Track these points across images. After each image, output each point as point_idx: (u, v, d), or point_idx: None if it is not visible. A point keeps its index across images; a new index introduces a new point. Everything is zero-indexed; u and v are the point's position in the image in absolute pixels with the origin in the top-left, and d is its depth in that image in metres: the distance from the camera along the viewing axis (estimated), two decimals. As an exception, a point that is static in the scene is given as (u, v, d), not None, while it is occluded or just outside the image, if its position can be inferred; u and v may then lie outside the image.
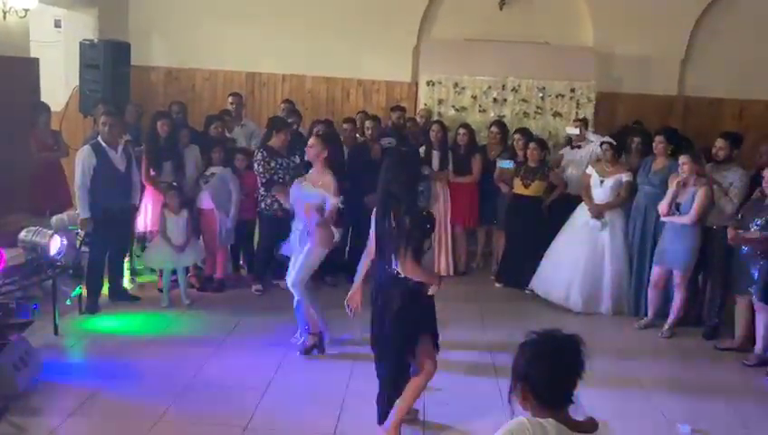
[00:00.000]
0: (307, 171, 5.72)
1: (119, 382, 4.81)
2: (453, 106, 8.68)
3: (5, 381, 4.35)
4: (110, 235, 6.23)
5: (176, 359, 5.26)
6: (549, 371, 2.13)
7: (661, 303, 6.47)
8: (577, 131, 7.66)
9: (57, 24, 9.03)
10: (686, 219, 6.04)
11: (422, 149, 7.71)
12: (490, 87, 8.62)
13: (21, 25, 7.29)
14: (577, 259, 6.77)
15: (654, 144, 6.66)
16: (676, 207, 6.11)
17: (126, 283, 6.77)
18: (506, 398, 2.23)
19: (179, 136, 7.05)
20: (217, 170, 6.86)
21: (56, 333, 5.57)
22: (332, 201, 5.25)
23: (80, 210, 6.08)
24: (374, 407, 4.29)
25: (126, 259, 6.83)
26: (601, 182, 6.80)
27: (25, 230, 5.51)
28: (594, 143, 7.32)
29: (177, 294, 6.54)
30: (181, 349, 5.46)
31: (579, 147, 7.63)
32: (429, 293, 4.04)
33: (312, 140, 5.54)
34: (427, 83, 8.71)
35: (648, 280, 6.50)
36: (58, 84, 8.52)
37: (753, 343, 5.73)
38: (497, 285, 7.57)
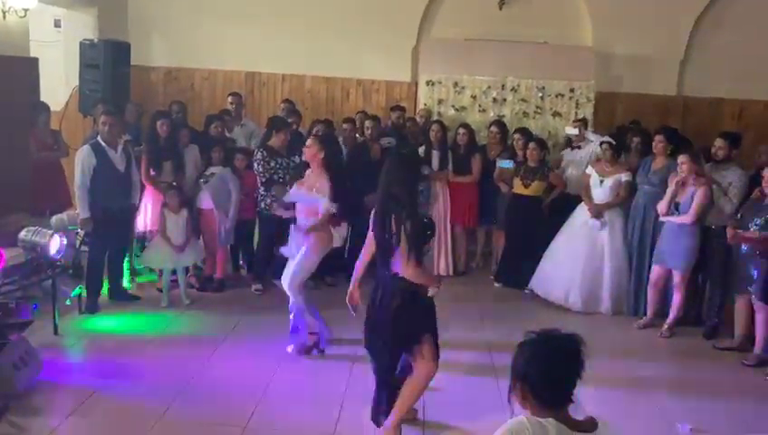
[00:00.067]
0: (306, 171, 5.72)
1: (118, 382, 4.81)
2: (452, 106, 8.68)
3: (5, 381, 4.35)
4: (110, 235, 6.23)
5: (175, 359, 5.26)
6: (548, 370, 2.13)
7: (660, 302, 6.48)
8: (576, 132, 7.66)
9: (57, 24, 9.03)
10: (685, 219, 6.04)
11: (422, 149, 7.71)
12: (489, 87, 8.62)
13: (20, 25, 7.29)
14: (576, 259, 6.77)
15: (653, 144, 6.66)
16: (675, 207, 6.11)
17: (126, 283, 6.76)
18: (506, 397, 2.23)
19: (179, 136, 7.05)
20: (217, 170, 6.86)
21: (56, 332, 5.57)
22: (325, 205, 5.24)
23: (79, 210, 6.08)
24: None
25: (126, 259, 6.83)
26: (601, 182, 6.80)
27: (25, 230, 5.51)
28: (594, 143, 7.32)
29: (177, 294, 6.54)
30: (181, 349, 5.46)
31: (579, 147, 7.64)
32: (429, 294, 4.04)
33: (309, 141, 5.54)
34: (427, 83, 8.71)
35: (648, 280, 6.51)
36: (58, 84, 8.52)
37: (753, 342, 5.73)
38: (497, 284, 7.58)
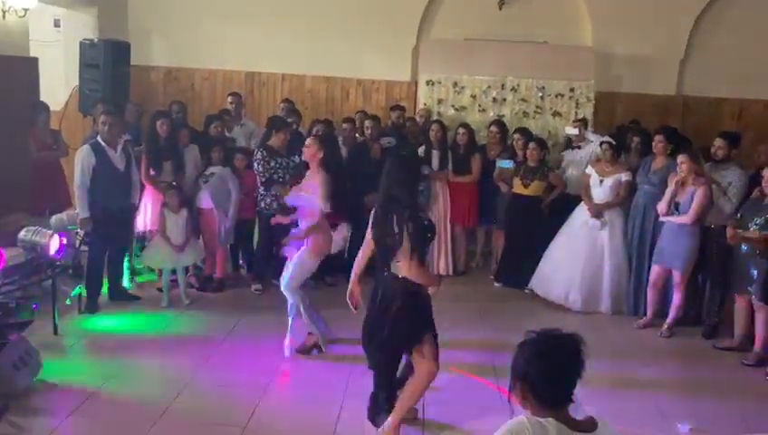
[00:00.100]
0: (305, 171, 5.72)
1: (118, 382, 4.82)
2: (452, 106, 8.67)
3: (5, 381, 4.35)
4: (110, 234, 6.23)
5: (175, 358, 5.26)
6: (548, 370, 2.13)
7: (660, 302, 6.48)
8: (576, 132, 7.66)
9: (57, 24, 9.03)
10: (684, 219, 6.04)
11: (421, 149, 7.71)
12: (489, 87, 8.62)
13: (20, 25, 7.29)
14: (576, 259, 6.77)
15: (653, 143, 6.66)
16: (675, 207, 6.12)
17: (125, 282, 6.77)
18: (506, 397, 2.23)
19: (179, 136, 7.05)
20: (217, 170, 6.86)
21: (56, 332, 5.57)
22: (317, 203, 5.23)
23: (79, 210, 6.08)
24: (374, 406, 4.29)
25: (125, 259, 6.82)
26: (601, 182, 6.80)
27: (25, 230, 5.52)
28: (594, 143, 7.32)
29: (177, 294, 6.54)
30: (181, 349, 5.46)
31: (579, 147, 7.64)
32: (430, 292, 4.05)
33: (308, 141, 5.53)
34: (427, 83, 8.71)
35: (648, 279, 6.51)
36: (57, 84, 8.52)
37: (753, 342, 5.73)
38: (496, 284, 7.58)
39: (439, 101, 8.69)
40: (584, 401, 2.28)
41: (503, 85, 8.60)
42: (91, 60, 7.58)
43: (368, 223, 4.24)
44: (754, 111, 9.15)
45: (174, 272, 6.61)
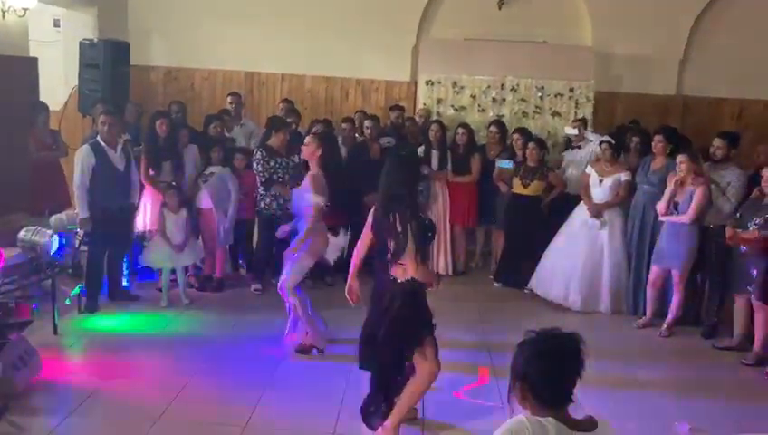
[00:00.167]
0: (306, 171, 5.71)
1: (118, 382, 4.81)
2: (452, 105, 8.67)
3: (5, 381, 4.35)
4: (110, 234, 6.23)
5: (175, 358, 5.26)
6: (548, 370, 2.14)
7: (660, 302, 6.48)
8: (575, 132, 7.67)
9: (56, 24, 9.04)
10: (684, 219, 6.05)
11: (421, 149, 7.71)
12: (489, 86, 8.62)
13: (20, 25, 7.29)
14: (576, 258, 6.77)
15: (653, 143, 6.66)
16: (674, 207, 6.12)
17: (125, 282, 6.76)
18: (506, 397, 2.23)
19: (178, 135, 7.05)
20: (216, 170, 6.86)
21: (55, 332, 5.57)
22: (315, 200, 5.22)
23: (79, 210, 6.07)
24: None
25: (125, 259, 6.82)
26: (600, 181, 6.81)
27: (24, 230, 5.52)
28: (593, 143, 7.33)
29: (177, 294, 6.54)
30: (180, 348, 5.46)
31: (579, 147, 7.64)
32: (433, 289, 4.04)
33: (307, 139, 5.53)
34: (426, 83, 8.71)
35: (647, 279, 6.51)
36: (57, 84, 8.52)
37: (752, 342, 5.74)
38: (496, 284, 7.58)
39: (439, 101, 8.69)
40: (584, 401, 2.28)
41: (502, 85, 8.60)
42: (91, 60, 7.58)
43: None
44: (754, 111, 9.15)
45: (173, 272, 6.61)
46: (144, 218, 6.90)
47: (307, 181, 5.27)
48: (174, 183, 6.74)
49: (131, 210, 6.57)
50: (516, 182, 7.35)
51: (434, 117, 8.45)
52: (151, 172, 6.84)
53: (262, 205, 6.77)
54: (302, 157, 5.72)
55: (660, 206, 6.19)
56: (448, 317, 5.21)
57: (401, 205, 3.93)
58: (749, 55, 8.89)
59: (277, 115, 7.74)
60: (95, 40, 7.88)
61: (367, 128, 7.58)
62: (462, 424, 4.45)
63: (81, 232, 6.43)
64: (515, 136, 7.67)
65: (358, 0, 9.11)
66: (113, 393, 4.65)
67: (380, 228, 4.04)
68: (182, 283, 6.58)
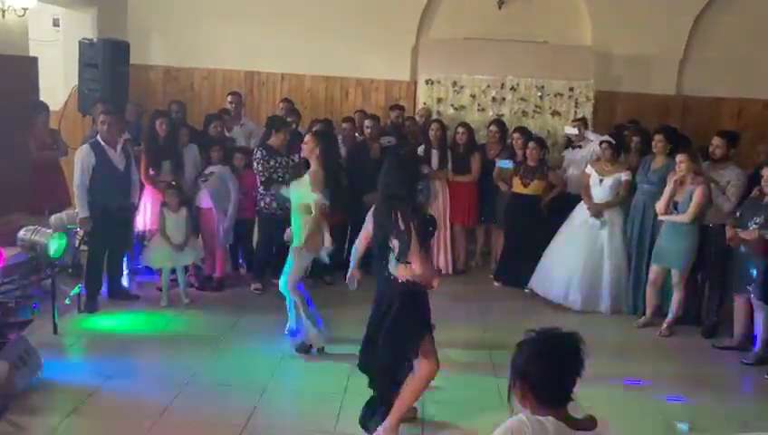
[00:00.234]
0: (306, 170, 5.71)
1: (118, 381, 4.81)
2: (452, 105, 8.67)
3: (5, 381, 4.35)
4: (110, 234, 6.23)
5: (175, 358, 5.26)
6: (548, 369, 2.14)
7: (659, 301, 6.48)
8: (575, 131, 7.67)
9: (56, 23, 9.03)
10: (683, 218, 6.05)
11: (421, 148, 7.72)
12: (489, 86, 8.62)
13: (20, 24, 7.29)
14: (576, 258, 6.78)
15: (653, 143, 6.67)
16: (674, 206, 6.12)
17: (125, 282, 6.76)
18: (505, 396, 2.23)
19: (178, 135, 7.05)
20: (216, 169, 6.86)
21: (55, 332, 5.57)
22: (315, 198, 5.23)
23: (79, 209, 6.07)
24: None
25: (125, 258, 6.83)
26: (600, 181, 6.81)
27: (24, 229, 5.51)
28: (594, 143, 7.32)
29: (177, 294, 6.54)
30: (180, 348, 5.46)
31: (579, 147, 7.64)
32: (435, 286, 4.04)
33: (306, 137, 5.54)
34: (426, 82, 8.71)
35: (647, 278, 6.51)
36: (57, 83, 8.52)
37: (752, 341, 5.74)
38: (496, 283, 7.58)
39: (439, 101, 8.69)
40: (583, 400, 2.28)
41: (502, 85, 8.60)
42: (91, 59, 7.57)
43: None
44: (754, 111, 9.15)
45: (173, 271, 6.61)
46: (144, 218, 6.91)
47: (308, 179, 5.26)
48: (174, 182, 6.74)
49: (131, 210, 6.57)
50: (516, 181, 7.36)
51: (434, 116, 8.45)
52: (151, 172, 6.85)
53: (262, 204, 6.77)
54: (302, 155, 5.72)
55: (660, 205, 6.20)
56: (448, 316, 5.21)
57: (401, 204, 3.93)
58: (748, 55, 8.89)
59: (277, 115, 7.75)
60: (95, 39, 7.87)
61: (367, 127, 7.58)
62: (462, 423, 4.45)
63: (81, 232, 6.43)
64: (515, 135, 7.68)
65: (358, 0, 9.11)
66: (113, 393, 4.65)
67: (381, 228, 4.03)
68: (182, 282, 6.58)
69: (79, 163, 6.02)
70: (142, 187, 6.74)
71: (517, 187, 7.35)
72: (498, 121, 8.07)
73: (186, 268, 6.73)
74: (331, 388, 4.84)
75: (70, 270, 6.45)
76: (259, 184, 6.73)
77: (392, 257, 3.96)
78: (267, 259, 6.95)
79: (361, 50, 9.16)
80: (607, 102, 8.96)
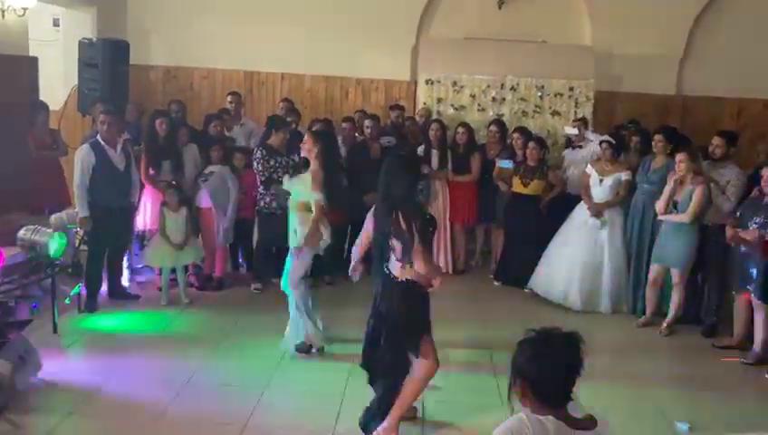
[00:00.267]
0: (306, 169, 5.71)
1: (118, 381, 4.81)
2: (452, 105, 8.67)
3: (5, 380, 4.35)
4: (109, 233, 6.23)
5: (175, 357, 5.26)
6: (548, 368, 2.13)
7: (659, 301, 6.48)
8: (575, 131, 7.67)
9: (56, 23, 9.04)
10: (683, 218, 6.05)
11: (421, 148, 7.72)
12: (489, 86, 8.62)
13: (19, 24, 7.29)
14: (576, 258, 6.77)
15: (653, 143, 6.67)
16: (674, 206, 6.12)
17: (125, 281, 6.76)
18: (505, 396, 2.23)
19: (178, 135, 7.05)
20: (216, 169, 6.87)
21: (55, 331, 5.56)
22: (315, 197, 5.23)
23: (79, 209, 6.07)
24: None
25: (125, 258, 6.83)
26: (600, 181, 6.81)
27: (24, 229, 5.52)
28: (594, 143, 7.32)
29: (177, 293, 6.54)
30: (180, 347, 5.46)
31: (580, 147, 7.64)
32: (437, 285, 4.04)
33: (305, 137, 5.54)
34: (426, 82, 8.71)
35: (647, 278, 6.51)
36: (57, 83, 8.52)
37: (752, 341, 5.74)
38: (496, 283, 7.58)
39: (439, 101, 8.69)
40: (583, 400, 2.28)
41: (502, 84, 8.60)
42: (90, 59, 7.57)
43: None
44: (754, 111, 9.16)
45: (173, 271, 6.61)
46: (144, 218, 6.91)
47: (313, 177, 5.26)
48: (174, 182, 6.74)
49: (131, 209, 6.57)
50: (516, 181, 7.36)
51: (434, 116, 8.45)
52: (151, 171, 6.85)
53: (262, 204, 6.77)
54: (301, 155, 5.72)
55: (659, 205, 6.20)
56: (448, 316, 5.22)
57: (402, 204, 3.93)
58: (748, 55, 8.90)
59: (277, 114, 7.74)
60: (94, 39, 7.87)
61: (367, 127, 7.57)
62: (461, 423, 4.45)
63: (80, 231, 6.43)
64: (515, 135, 7.68)
65: (358, 0, 9.11)
66: (113, 393, 4.65)
67: (381, 228, 4.03)
68: (182, 282, 6.58)
69: (79, 163, 6.02)
70: (142, 186, 6.74)
71: (517, 187, 7.35)
72: (498, 121, 8.07)
73: (186, 268, 6.73)
74: (331, 388, 4.84)
75: (70, 270, 6.45)
76: (259, 184, 6.73)
77: (392, 257, 3.96)
78: (267, 259, 6.95)
79: (361, 50, 9.17)
80: (607, 102, 8.97)
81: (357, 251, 4.49)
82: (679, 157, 6.06)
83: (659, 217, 6.28)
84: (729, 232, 5.62)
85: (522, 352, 2.17)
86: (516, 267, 7.30)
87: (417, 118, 8.49)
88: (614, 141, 6.86)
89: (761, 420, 4.78)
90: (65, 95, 8.37)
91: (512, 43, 8.71)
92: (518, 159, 7.53)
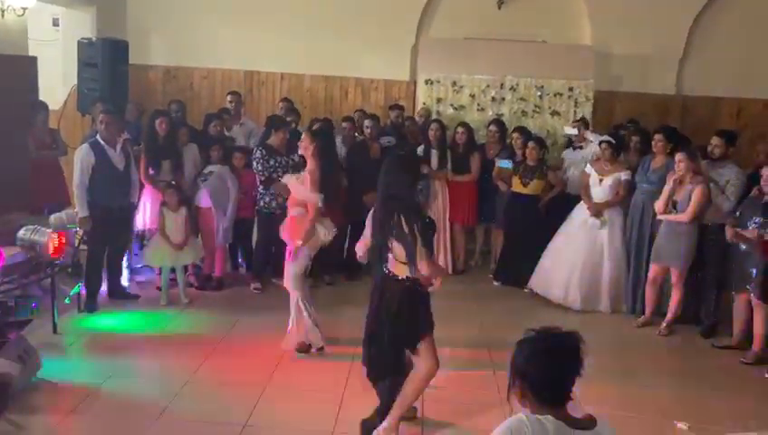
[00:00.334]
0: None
1: (117, 381, 4.81)
2: (451, 105, 8.68)
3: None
4: (109, 233, 6.23)
5: (174, 357, 5.26)
6: (547, 368, 2.14)
7: (659, 300, 6.49)
8: (575, 132, 7.67)
9: (55, 23, 9.04)
10: (682, 217, 6.05)
11: (421, 148, 7.72)
12: (488, 86, 8.62)
13: (19, 24, 7.29)
14: (575, 257, 6.78)
15: (653, 142, 6.67)
16: (672, 205, 6.13)
17: (124, 281, 6.76)
18: (505, 395, 2.23)
19: (178, 134, 7.05)
20: (216, 169, 6.87)
21: (55, 331, 5.57)
22: (311, 197, 5.22)
23: (78, 209, 6.08)
24: (373, 405, 4.29)
25: (125, 258, 6.83)
26: (600, 181, 6.81)
27: (24, 229, 5.51)
28: (594, 144, 7.32)
29: (176, 293, 6.54)
30: (180, 347, 5.46)
31: (581, 147, 7.63)
32: (437, 285, 4.04)
33: (303, 136, 5.55)
34: (426, 82, 8.71)
35: (646, 278, 6.51)
36: (56, 83, 8.52)
37: (751, 341, 5.74)
38: (495, 283, 7.58)
39: (438, 101, 8.69)
40: (583, 399, 2.28)
41: (501, 84, 8.60)
42: (90, 59, 7.57)
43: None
44: (753, 111, 9.16)
45: (173, 271, 6.61)
46: (144, 217, 6.91)
47: (308, 177, 5.27)
48: (173, 182, 6.74)
49: (131, 209, 6.57)
50: (516, 181, 7.36)
51: (433, 116, 8.45)
52: (151, 171, 6.84)
53: (261, 204, 6.77)
54: (300, 154, 5.72)
55: (658, 204, 6.20)
56: (448, 316, 5.20)
57: (402, 205, 3.92)
58: (748, 55, 8.90)
59: (277, 114, 7.75)
60: (94, 39, 7.86)
61: (367, 127, 7.57)
62: (461, 423, 4.46)
63: (80, 231, 6.43)
64: (515, 135, 7.68)
65: (357, -1, 9.13)
66: (113, 392, 4.65)
67: (381, 228, 4.03)
68: (181, 282, 6.58)
69: (78, 163, 6.02)
70: (142, 186, 6.74)
71: (516, 186, 7.36)
72: (498, 121, 8.07)
73: (185, 268, 6.73)
74: (331, 388, 4.84)
75: (69, 269, 6.46)
76: (258, 183, 6.73)
77: (390, 257, 3.96)
78: (266, 259, 6.95)
79: (361, 49, 9.17)
80: (606, 102, 8.97)
81: (362, 243, 4.46)
82: (679, 156, 6.07)
83: (658, 217, 6.29)
84: (729, 232, 5.63)
85: (521, 352, 2.17)
86: (516, 267, 7.31)
87: (417, 118, 8.49)
88: (614, 141, 6.87)
89: (761, 420, 4.78)
90: (65, 95, 8.38)
91: (511, 43, 8.71)
92: (517, 158, 7.53)
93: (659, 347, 6.12)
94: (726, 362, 5.75)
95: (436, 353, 4.10)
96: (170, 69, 9.51)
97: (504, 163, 7.58)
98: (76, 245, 6.60)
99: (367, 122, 7.60)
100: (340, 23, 9.10)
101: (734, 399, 5.07)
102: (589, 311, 6.73)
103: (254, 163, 6.65)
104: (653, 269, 6.39)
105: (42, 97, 7.53)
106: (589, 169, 6.97)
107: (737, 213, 5.79)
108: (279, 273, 5.57)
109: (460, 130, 7.83)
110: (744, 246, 5.61)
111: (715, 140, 6.30)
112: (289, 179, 5.49)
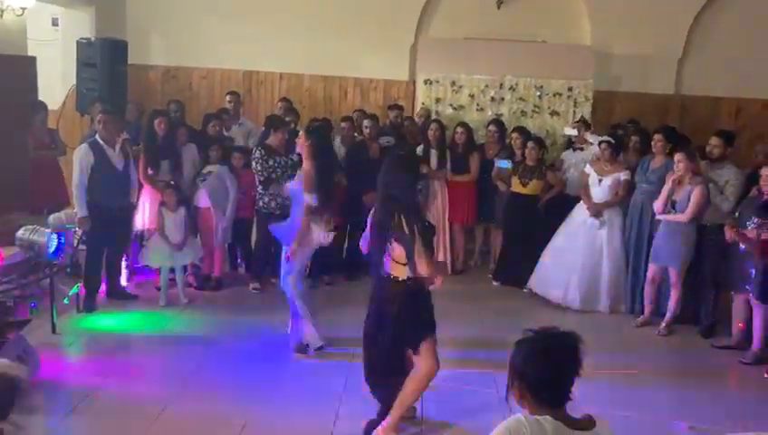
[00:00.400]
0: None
1: (117, 381, 4.81)
2: (450, 105, 8.67)
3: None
4: (108, 233, 6.23)
5: (174, 357, 5.26)
6: (546, 369, 2.14)
7: (658, 300, 6.49)
8: (575, 132, 7.67)
9: (54, 23, 9.03)
10: (681, 217, 6.05)
11: (420, 148, 7.72)
12: (488, 86, 8.61)
13: (18, 24, 7.29)
14: (575, 258, 6.78)
15: (653, 142, 6.67)
16: (671, 206, 6.13)
17: (123, 281, 6.76)
18: (504, 396, 2.23)
19: (177, 134, 7.04)
20: (215, 169, 6.87)
21: (54, 331, 5.56)
22: (305, 197, 5.23)
23: (77, 209, 6.07)
24: (372, 405, 4.29)
25: (124, 258, 6.82)
26: (600, 181, 6.81)
27: (23, 229, 5.50)
28: (595, 145, 7.32)
29: (175, 293, 6.54)
30: (179, 347, 5.46)
31: (581, 148, 7.63)
32: (438, 284, 4.04)
33: (299, 135, 5.55)
34: (425, 82, 8.70)
35: (645, 278, 6.51)
36: (55, 83, 8.51)
37: (750, 341, 5.74)
38: (495, 283, 7.58)
39: (437, 101, 8.69)
40: (582, 400, 2.28)
41: (501, 84, 8.60)
42: (89, 59, 7.56)
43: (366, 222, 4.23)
44: (752, 111, 9.16)
45: (172, 271, 6.61)
46: (143, 217, 6.90)
47: (304, 177, 5.27)
48: (172, 182, 6.73)
49: (130, 209, 6.57)
50: (515, 181, 7.36)
51: (433, 116, 8.44)
52: (150, 171, 6.84)
53: (260, 204, 6.76)
54: (297, 152, 5.73)
55: (657, 204, 6.20)
56: (447, 316, 5.19)
57: (402, 206, 3.92)
58: (747, 55, 8.89)
59: (276, 114, 7.74)
60: (93, 39, 7.85)
61: (366, 127, 7.57)
62: (461, 423, 4.46)
63: (79, 231, 6.43)
64: (514, 135, 7.68)
65: (356, -1, 9.13)
66: (112, 392, 4.65)
67: (380, 228, 4.03)
68: (181, 282, 6.57)
69: (77, 163, 6.02)
70: (141, 186, 6.73)
71: (516, 186, 7.36)
72: (497, 121, 8.07)
73: (184, 268, 6.73)
74: (329, 387, 4.84)
75: (68, 270, 6.45)
76: (257, 183, 6.73)
77: (390, 259, 3.96)
78: (266, 259, 6.94)
79: (360, 49, 9.16)
80: (606, 102, 8.97)
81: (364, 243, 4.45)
82: (678, 157, 6.07)
83: (657, 217, 6.29)
84: (729, 232, 5.63)
85: (519, 353, 2.17)
86: (515, 267, 7.31)
87: (416, 118, 8.49)
88: (613, 141, 6.87)
89: (760, 420, 4.78)
90: (64, 95, 8.37)
91: (511, 43, 8.71)
92: (517, 158, 7.53)
93: (658, 347, 6.12)
94: (725, 361, 5.76)
95: (436, 354, 4.10)
96: (169, 69, 9.51)
97: (504, 163, 7.58)
98: (75, 245, 6.60)
99: (366, 122, 7.59)
100: (339, 23, 9.09)
101: (733, 399, 5.07)
102: (588, 311, 6.73)
103: (253, 163, 6.64)
104: (651, 269, 6.40)
105: (41, 97, 7.53)
106: (588, 169, 6.97)
107: (736, 213, 5.80)
108: (278, 273, 5.57)
109: (459, 130, 7.83)
110: (743, 247, 5.62)
111: (713, 141, 6.30)
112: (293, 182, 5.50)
